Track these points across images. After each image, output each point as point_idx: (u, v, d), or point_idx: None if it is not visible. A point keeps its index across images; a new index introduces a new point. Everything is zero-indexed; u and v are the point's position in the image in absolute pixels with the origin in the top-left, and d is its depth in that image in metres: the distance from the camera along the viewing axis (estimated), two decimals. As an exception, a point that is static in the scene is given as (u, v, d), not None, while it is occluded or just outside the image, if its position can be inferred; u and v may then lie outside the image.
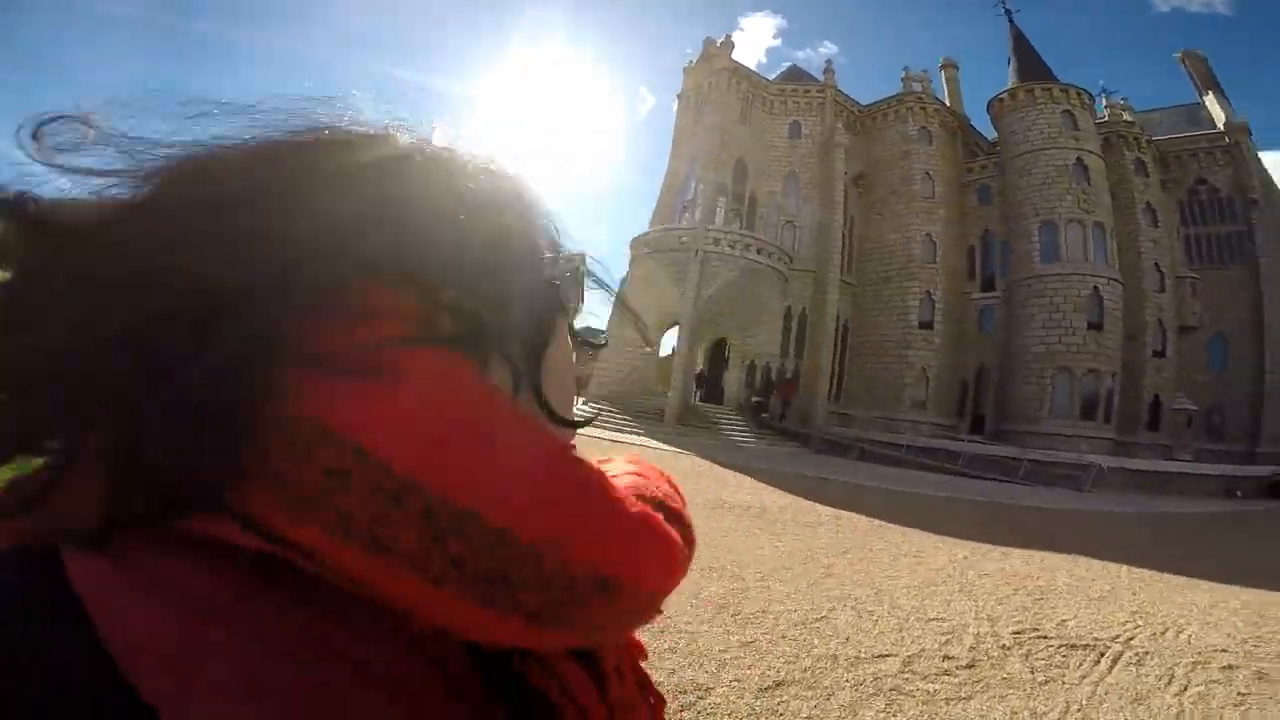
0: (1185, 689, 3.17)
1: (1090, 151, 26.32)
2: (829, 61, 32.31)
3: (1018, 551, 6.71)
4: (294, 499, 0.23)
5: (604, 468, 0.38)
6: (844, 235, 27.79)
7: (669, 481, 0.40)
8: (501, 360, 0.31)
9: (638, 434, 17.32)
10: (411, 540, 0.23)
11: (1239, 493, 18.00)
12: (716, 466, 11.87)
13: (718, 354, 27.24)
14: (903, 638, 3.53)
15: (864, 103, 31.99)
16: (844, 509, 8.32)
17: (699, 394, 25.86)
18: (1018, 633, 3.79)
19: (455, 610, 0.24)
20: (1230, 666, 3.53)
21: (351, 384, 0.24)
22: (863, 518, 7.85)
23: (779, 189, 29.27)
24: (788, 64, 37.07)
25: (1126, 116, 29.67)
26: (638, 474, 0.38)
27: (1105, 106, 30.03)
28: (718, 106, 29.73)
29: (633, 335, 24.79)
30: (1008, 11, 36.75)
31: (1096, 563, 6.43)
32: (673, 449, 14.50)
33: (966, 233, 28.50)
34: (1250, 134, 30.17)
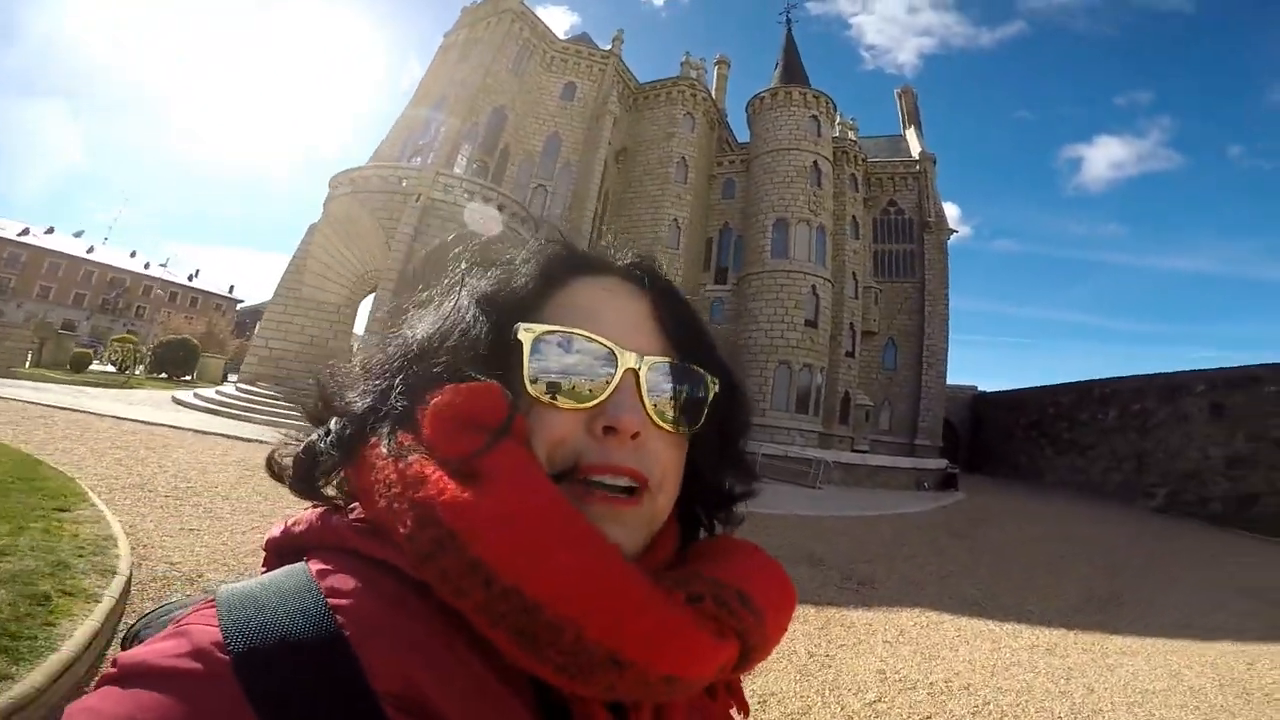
0: None
1: (825, 158, 28.72)
2: (619, 31, 30.58)
3: (856, 615, 5.19)
4: (415, 553, 0.35)
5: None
6: (597, 209, 26.36)
7: (775, 574, 0.45)
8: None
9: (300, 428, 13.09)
10: (479, 595, 0.33)
11: (925, 484, 20.44)
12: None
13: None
14: None
15: (641, 80, 31.10)
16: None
17: None
18: None
19: (506, 646, 0.34)
20: None
21: (454, 484, 0.36)
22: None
23: (538, 148, 26.60)
24: (580, 31, 34.62)
25: (851, 135, 33.34)
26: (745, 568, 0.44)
27: (838, 123, 33.37)
28: (490, 47, 25.73)
29: (312, 293, 20.19)
30: (789, 21, 39.03)
31: (948, 619, 5.32)
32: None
33: (708, 224, 29.38)
34: (935, 165, 36.54)
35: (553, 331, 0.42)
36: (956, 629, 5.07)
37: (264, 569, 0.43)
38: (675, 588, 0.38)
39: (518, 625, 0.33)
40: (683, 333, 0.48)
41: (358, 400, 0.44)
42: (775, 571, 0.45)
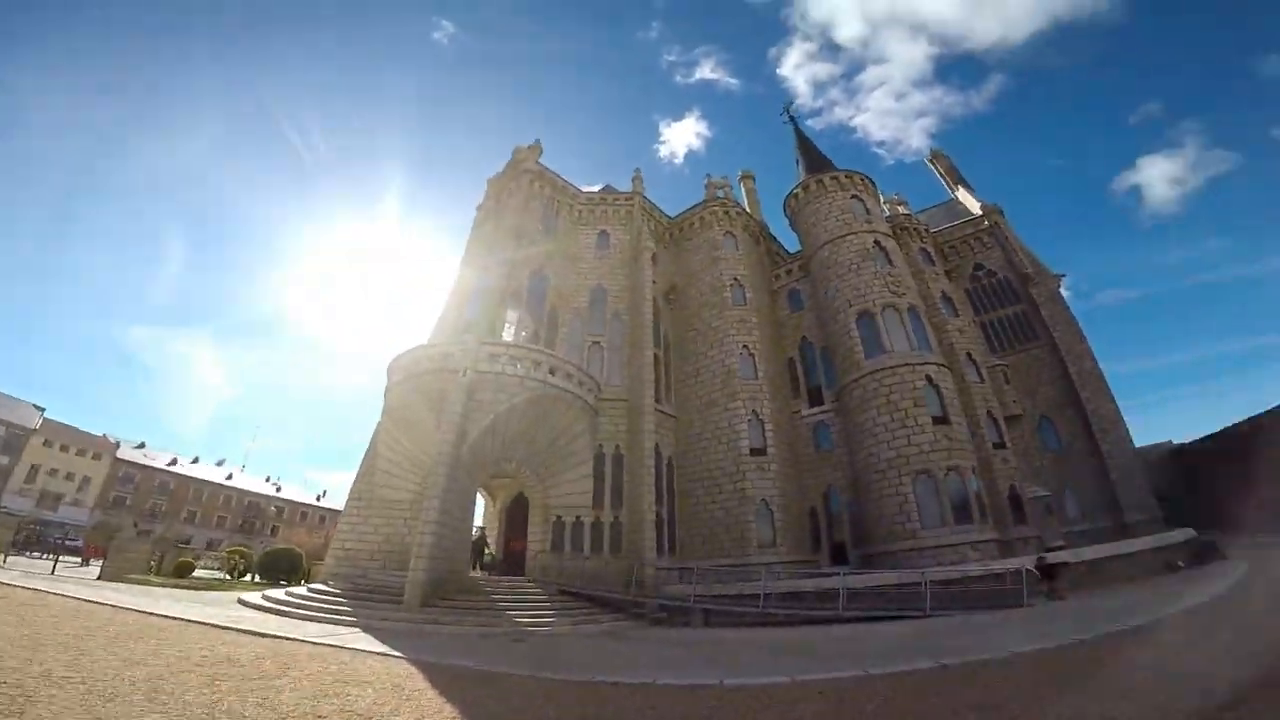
0: None
1: (885, 234, 26.12)
2: (637, 170, 30.97)
3: None
4: None
5: None
6: (658, 356, 24.22)
7: None
8: None
9: (350, 625, 10.81)
10: None
11: (1180, 563, 15.80)
12: (429, 690, 5.81)
13: (519, 511, 20.91)
14: None
15: (671, 215, 30.88)
16: None
17: (484, 563, 20.27)
18: None
19: None
20: None
21: None
22: None
23: (584, 303, 25.44)
24: (601, 185, 35.83)
25: (903, 209, 30.99)
26: None
27: (884, 201, 31.27)
28: (517, 211, 26.08)
29: (384, 492, 17.79)
30: (791, 117, 39.53)
31: None
32: (382, 650, 8.00)
33: (784, 343, 26.53)
34: (1003, 214, 33.14)
35: None
36: None
37: None
38: None
39: None
40: None
41: None
42: None
